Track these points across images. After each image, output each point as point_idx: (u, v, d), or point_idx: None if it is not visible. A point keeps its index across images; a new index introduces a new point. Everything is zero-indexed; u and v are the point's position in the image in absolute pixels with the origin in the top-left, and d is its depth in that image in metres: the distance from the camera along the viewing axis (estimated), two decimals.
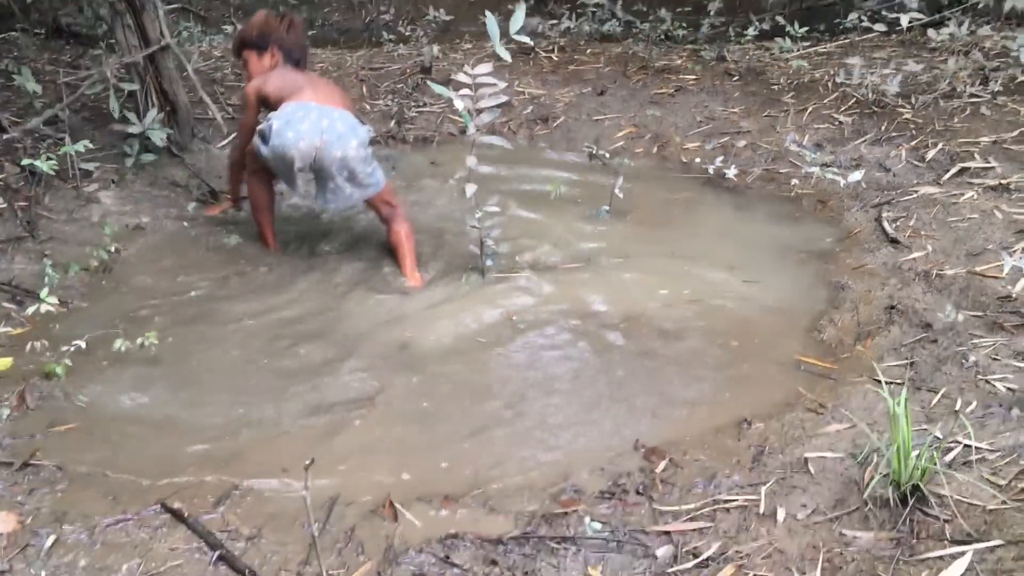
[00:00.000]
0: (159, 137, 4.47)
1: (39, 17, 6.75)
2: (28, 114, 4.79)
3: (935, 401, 2.73)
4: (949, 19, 5.90)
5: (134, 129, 4.45)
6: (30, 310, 3.37)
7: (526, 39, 3.40)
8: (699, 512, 2.39)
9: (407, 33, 7.55)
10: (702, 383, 3.09)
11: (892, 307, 3.32)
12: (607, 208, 4.41)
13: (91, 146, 4.31)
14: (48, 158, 4.05)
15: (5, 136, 4.51)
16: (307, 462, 2.09)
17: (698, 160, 4.99)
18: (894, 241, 3.78)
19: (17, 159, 4.26)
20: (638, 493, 2.49)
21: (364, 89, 5.95)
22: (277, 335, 3.42)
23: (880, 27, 5.61)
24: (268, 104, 3.90)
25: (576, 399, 3.02)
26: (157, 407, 2.99)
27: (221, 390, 3.09)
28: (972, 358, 2.87)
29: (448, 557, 2.26)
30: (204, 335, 3.43)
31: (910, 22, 5.31)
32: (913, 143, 4.61)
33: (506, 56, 3.33)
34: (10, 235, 3.88)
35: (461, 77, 3.48)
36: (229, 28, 7.85)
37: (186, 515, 2.38)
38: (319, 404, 2.99)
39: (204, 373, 3.19)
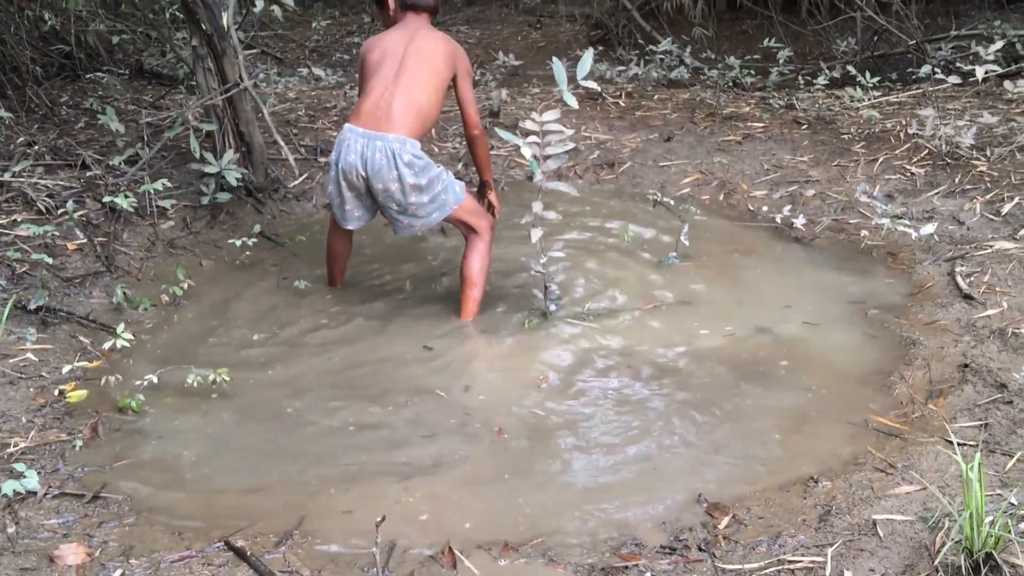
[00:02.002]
0: (234, 177, 4.58)
1: (124, 58, 7.03)
2: (110, 152, 4.97)
3: (1010, 465, 2.64)
4: None
5: (210, 169, 4.57)
6: (106, 344, 3.47)
7: (594, 85, 3.42)
8: (763, 571, 2.34)
9: (476, 77, 7.66)
10: (766, 438, 3.03)
11: (965, 365, 3.23)
12: (675, 255, 4.39)
13: (169, 185, 4.46)
14: (127, 196, 4.19)
15: (88, 173, 4.68)
16: (378, 519, 2.10)
17: (765, 208, 4.95)
18: (968, 297, 3.70)
19: (99, 196, 4.42)
20: (700, 549, 2.45)
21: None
22: (341, 378, 3.45)
23: (954, 79, 5.53)
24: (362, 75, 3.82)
25: (637, 449, 2.99)
26: (224, 444, 3.04)
27: (285, 430, 3.13)
28: None
29: None
30: (270, 375, 3.48)
31: (986, 74, 5.22)
32: (988, 196, 4.52)
33: (573, 103, 3.35)
34: (88, 269, 4.00)
35: (528, 124, 3.51)
36: (304, 71, 8.07)
37: (249, 554, 2.41)
38: (379, 448, 3.01)
39: (269, 413, 3.23)
